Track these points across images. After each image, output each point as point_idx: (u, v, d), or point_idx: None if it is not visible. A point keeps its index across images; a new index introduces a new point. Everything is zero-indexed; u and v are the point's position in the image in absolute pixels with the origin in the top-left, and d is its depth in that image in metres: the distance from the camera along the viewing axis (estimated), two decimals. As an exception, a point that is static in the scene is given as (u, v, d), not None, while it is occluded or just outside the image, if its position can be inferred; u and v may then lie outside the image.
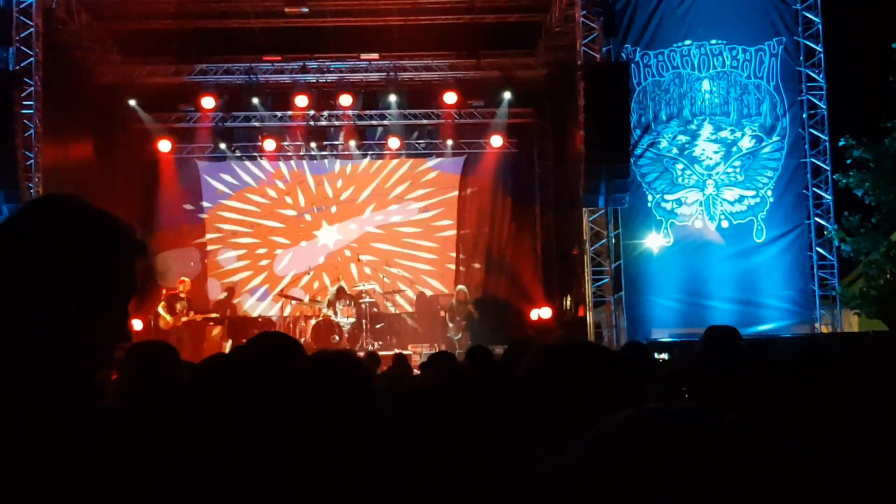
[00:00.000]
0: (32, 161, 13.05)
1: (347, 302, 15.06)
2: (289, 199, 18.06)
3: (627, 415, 0.58)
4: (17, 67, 12.83)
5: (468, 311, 14.95)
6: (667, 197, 13.38)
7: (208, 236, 17.98)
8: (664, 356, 8.98)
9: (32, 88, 13.04)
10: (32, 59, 13.06)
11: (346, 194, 18.07)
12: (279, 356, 2.39)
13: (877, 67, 13.85)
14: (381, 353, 11.68)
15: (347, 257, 17.57)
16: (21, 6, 12.98)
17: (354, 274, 16.96)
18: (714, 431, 0.55)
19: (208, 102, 16.57)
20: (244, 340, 5.09)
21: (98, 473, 1.35)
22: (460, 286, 16.02)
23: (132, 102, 16.85)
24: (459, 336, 14.70)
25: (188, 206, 17.98)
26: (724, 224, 13.29)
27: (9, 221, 1.47)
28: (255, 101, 16.83)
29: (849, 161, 13.29)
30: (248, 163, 18.08)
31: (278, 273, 17.63)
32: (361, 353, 10.64)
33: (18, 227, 1.43)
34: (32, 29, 13.08)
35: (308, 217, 18.02)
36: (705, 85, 13.43)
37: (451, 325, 15.19)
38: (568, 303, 16.19)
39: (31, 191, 13.01)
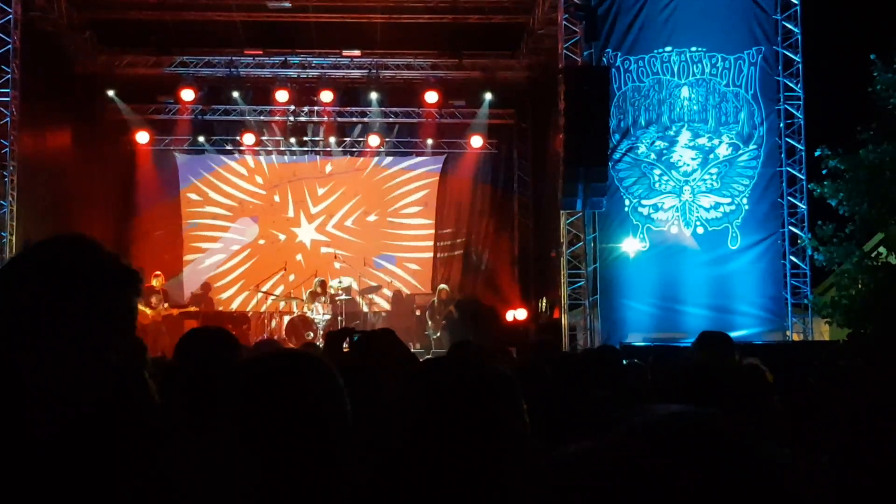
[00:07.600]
0: (8, 150, 12.93)
1: (323, 299, 15.04)
2: (266, 194, 17.98)
3: (647, 418, 0.62)
4: (-5, 54, 12.72)
5: (448, 311, 14.92)
6: (644, 202, 13.44)
7: (186, 229, 17.86)
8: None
9: (10, 76, 12.92)
10: (10, 46, 12.94)
11: (325, 191, 18.02)
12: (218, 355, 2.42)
13: (854, 78, 13.99)
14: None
15: (324, 254, 17.52)
16: (-1, -7, 12.87)
17: (331, 271, 16.90)
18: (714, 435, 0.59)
19: (188, 95, 16.45)
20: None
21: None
22: (442, 285, 16.01)
23: (111, 93, 16.72)
24: (438, 335, 14.66)
25: (165, 198, 17.85)
26: (700, 230, 13.38)
27: (15, 262, 1.62)
28: (236, 94, 16.73)
29: (824, 171, 13.38)
30: (226, 157, 17.98)
31: (255, 267, 17.53)
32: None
33: (25, 268, 1.56)
34: (11, 16, 12.96)
35: (287, 214, 17.94)
36: (684, 92, 13.51)
37: (430, 322, 15.17)
38: (543, 305, 16.22)
39: (7, 179, 12.90)
